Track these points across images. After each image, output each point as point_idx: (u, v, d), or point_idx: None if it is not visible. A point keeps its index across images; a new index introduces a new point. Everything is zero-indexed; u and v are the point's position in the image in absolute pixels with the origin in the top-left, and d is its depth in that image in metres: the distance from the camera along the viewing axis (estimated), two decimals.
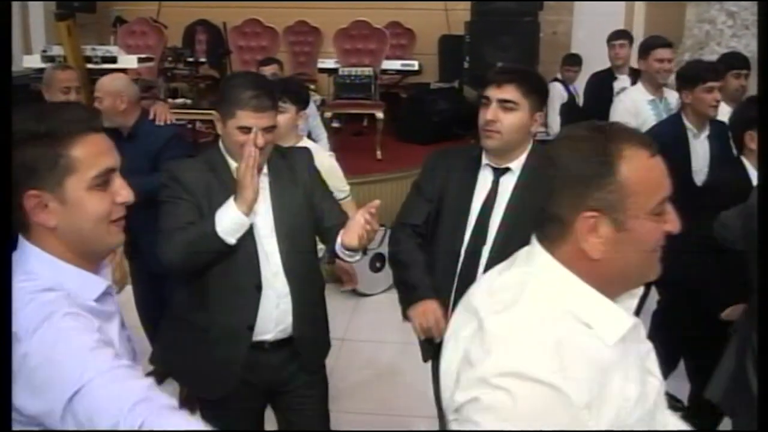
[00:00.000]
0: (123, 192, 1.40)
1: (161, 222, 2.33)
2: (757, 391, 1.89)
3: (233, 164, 2.38)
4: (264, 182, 2.42)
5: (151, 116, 3.73)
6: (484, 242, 2.40)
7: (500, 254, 2.15)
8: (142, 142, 3.55)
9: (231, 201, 2.24)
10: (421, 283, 2.45)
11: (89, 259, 1.41)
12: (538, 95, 2.43)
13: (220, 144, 2.44)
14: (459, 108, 7.43)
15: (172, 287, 2.62)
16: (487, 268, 2.25)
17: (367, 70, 6.58)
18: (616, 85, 5.41)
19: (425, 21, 8.39)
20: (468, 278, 2.27)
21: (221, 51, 7.35)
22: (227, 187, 2.33)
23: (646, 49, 4.37)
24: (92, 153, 1.34)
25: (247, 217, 2.24)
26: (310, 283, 2.51)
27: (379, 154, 6.42)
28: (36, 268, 1.33)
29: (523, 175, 2.42)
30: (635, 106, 4.29)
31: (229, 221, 2.23)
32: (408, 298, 2.47)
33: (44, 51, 6.50)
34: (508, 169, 2.44)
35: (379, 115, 6.43)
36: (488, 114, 2.34)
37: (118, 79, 3.73)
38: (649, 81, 4.26)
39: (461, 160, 2.55)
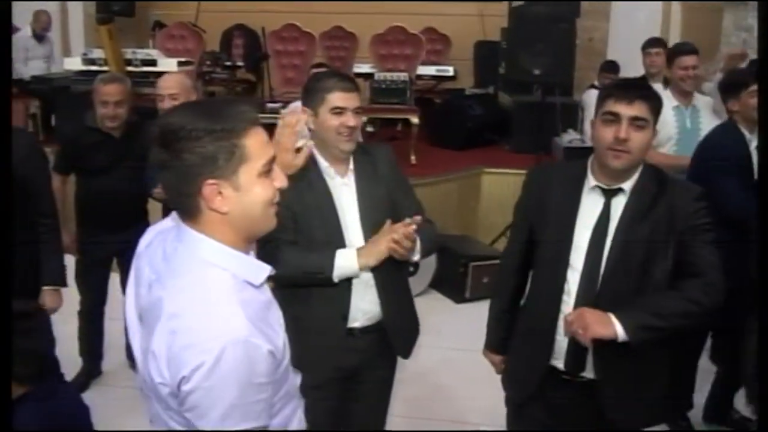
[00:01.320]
0: (280, 177, 1.52)
1: None
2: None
3: (323, 163, 2.46)
4: (350, 178, 2.50)
5: None
6: (597, 275, 2.24)
7: (610, 287, 2.20)
8: None
9: (354, 253, 2.38)
10: (492, 333, 2.60)
11: (247, 243, 1.53)
12: (659, 111, 2.30)
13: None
14: (493, 114, 7.44)
15: None
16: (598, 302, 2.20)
17: (403, 76, 6.61)
18: None
19: (461, 27, 8.42)
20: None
21: (259, 55, 7.42)
22: (314, 186, 2.43)
23: (671, 56, 4.33)
24: (260, 143, 1.46)
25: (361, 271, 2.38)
26: (395, 273, 2.56)
27: (413, 158, 6.43)
28: (212, 258, 1.45)
29: (633, 197, 2.25)
30: None
31: (345, 270, 2.37)
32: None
33: (85, 54, 6.65)
34: (620, 190, 2.26)
35: (414, 120, 6.45)
36: (621, 132, 2.15)
37: (185, 77, 3.95)
38: (675, 88, 4.22)
39: (562, 178, 2.40)
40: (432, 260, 5.37)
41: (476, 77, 8.39)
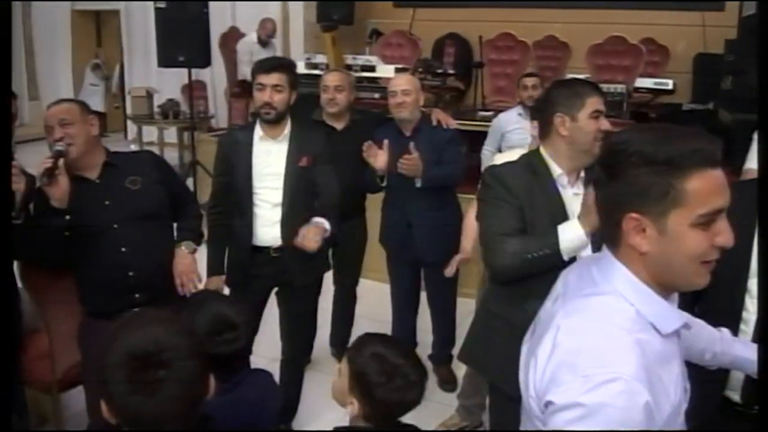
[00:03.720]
0: (725, 235, 1.29)
1: (484, 223, 2.40)
2: None
3: (557, 170, 2.42)
4: (580, 188, 2.45)
5: (434, 122, 3.97)
6: None
7: None
8: (425, 138, 3.84)
9: (575, 221, 2.24)
10: None
11: (667, 291, 1.38)
12: None
13: (542, 150, 2.47)
14: (713, 131, 6.97)
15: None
16: None
17: (620, 88, 6.40)
18: None
19: (681, 38, 8.01)
20: None
21: (474, 63, 7.46)
22: (548, 193, 2.39)
23: None
24: (706, 190, 1.26)
25: (587, 237, 2.22)
26: None
27: None
28: (621, 287, 1.35)
29: None
30: None
31: (572, 241, 2.23)
32: None
33: (308, 58, 6.96)
34: None
35: None
36: None
37: (416, 79, 4.09)
38: None
39: None
40: None
41: (694, 92, 7.96)
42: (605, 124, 2.36)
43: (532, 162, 2.46)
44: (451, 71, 7.48)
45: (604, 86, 6.40)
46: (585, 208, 2.21)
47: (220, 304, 2.19)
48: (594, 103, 2.36)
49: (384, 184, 3.76)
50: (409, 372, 1.93)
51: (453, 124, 4.02)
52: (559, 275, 1.59)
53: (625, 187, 1.30)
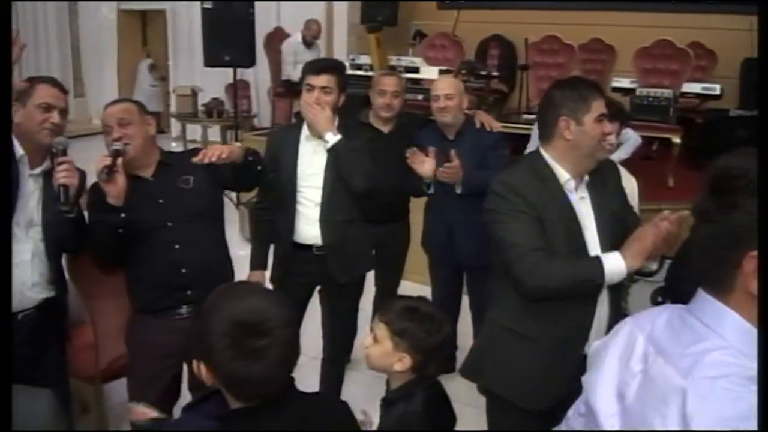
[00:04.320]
0: None
1: (511, 238, 2.34)
2: None
3: (564, 175, 2.39)
4: (584, 191, 2.43)
5: (477, 125, 3.93)
6: None
7: None
8: (468, 141, 3.81)
9: (618, 256, 2.22)
10: None
11: None
12: None
13: (543, 152, 2.44)
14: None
15: (493, 292, 2.65)
16: None
17: (666, 92, 6.32)
18: None
19: (728, 42, 7.87)
20: None
21: (519, 66, 7.42)
22: (559, 201, 2.35)
23: None
24: None
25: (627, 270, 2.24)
26: (618, 287, 2.46)
27: (671, 181, 6.13)
28: (736, 339, 1.18)
29: None
30: None
31: (613, 273, 2.23)
32: None
33: (352, 59, 6.98)
34: None
35: (676, 140, 6.13)
36: None
37: (459, 81, 4.07)
38: None
39: None
40: None
41: (742, 97, 7.82)
42: (609, 127, 2.36)
43: (537, 167, 2.41)
44: (494, 73, 7.46)
45: (651, 90, 6.34)
46: (634, 242, 2.21)
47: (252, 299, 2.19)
48: (599, 106, 2.33)
49: (431, 191, 3.75)
50: (437, 315, 2.17)
51: (497, 127, 3.97)
52: None
53: (746, 219, 1.13)
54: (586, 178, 2.43)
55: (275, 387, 1.55)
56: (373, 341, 2.17)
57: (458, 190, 3.74)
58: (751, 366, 1.13)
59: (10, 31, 2.28)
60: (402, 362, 2.12)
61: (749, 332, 1.17)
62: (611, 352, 1.40)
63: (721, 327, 1.19)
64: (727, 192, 1.16)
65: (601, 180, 2.48)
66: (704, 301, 1.23)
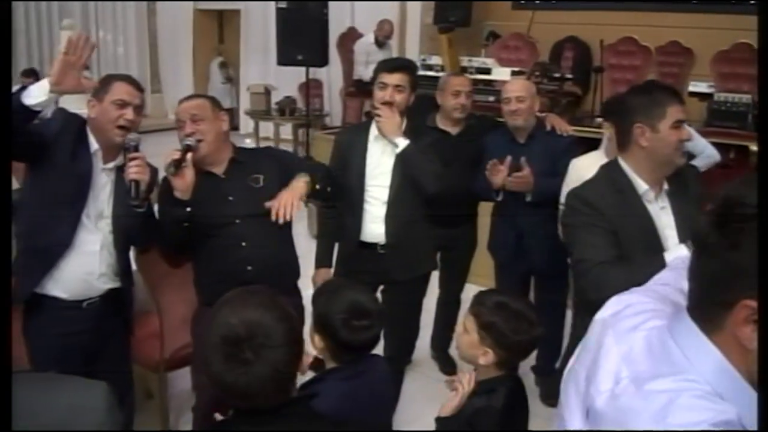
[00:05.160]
0: None
1: (580, 252, 2.30)
2: None
3: (642, 186, 2.33)
4: (665, 199, 2.38)
5: (548, 127, 3.87)
6: None
7: None
8: (539, 146, 3.75)
9: (682, 245, 2.16)
10: None
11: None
12: None
13: (621, 162, 2.39)
14: None
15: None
16: None
17: (745, 98, 6.08)
18: None
19: None
20: None
21: (593, 68, 7.28)
22: (638, 213, 2.31)
23: None
24: None
25: None
26: None
27: None
28: (715, 379, 1.05)
29: None
30: None
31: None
32: None
33: (423, 60, 6.95)
34: None
35: (753, 147, 5.91)
36: None
37: (531, 83, 4.03)
38: None
39: None
40: None
41: None
42: (687, 134, 2.28)
43: (615, 177, 2.36)
44: (569, 76, 7.33)
45: (729, 96, 6.13)
46: None
47: (356, 292, 2.22)
48: (676, 112, 2.26)
49: (499, 198, 3.71)
50: (529, 314, 2.15)
51: (569, 130, 3.90)
52: None
53: (745, 262, 0.98)
54: (666, 186, 2.37)
55: (267, 400, 1.56)
56: (463, 330, 2.21)
57: (528, 198, 3.69)
58: (729, 410, 1.01)
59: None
60: (486, 356, 2.15)
61: (731, 375, 1.05)
62: (582, 358, 1.30)
63: (701, 363, 1.07)
64: (729, 222, 1.02)
65: (683, 187, 2.42)
66: (689, 330, 1.10)
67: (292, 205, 2.80)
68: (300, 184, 2.91)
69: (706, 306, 1.08)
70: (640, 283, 1.98)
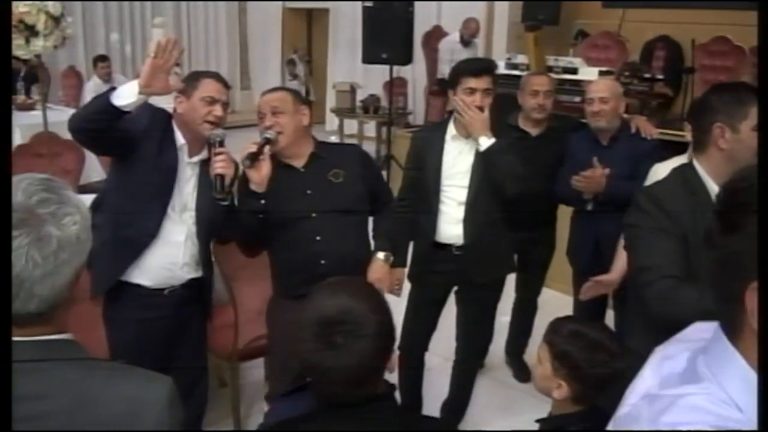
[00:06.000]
0: None
1: (645, 260, 2.19)
2: None
3: (715, 189, 2.21)
4: None
5: (633, 130, 3.74)
6: None
7: None
8: (622, 148, 3.65)
9: None
10: None
11: None
12: None
13: (696, 164, 2.27)
14: None
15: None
16: None
17: None
18: None
19: None
20: None
21: (684, 69, 7.04)
22: (706, 216, 2.18)
23: None
24: None
25: None
26: None
27: None
28: (733, 388, 0.97)
29: None
30: None
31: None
32: None
33: (508, 58, 6.86)
34: None
35: None
36: None
37: (617, 84, 3.93)
38: None
39: None
40: None
41: None
42: None
43: (689, 180, 2.22)
44: (659, 76, 7.10)
45: None
46: None
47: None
48: (756, 115, 2.09)
49: (589, 207, 3.62)
50: (609, 344, 1.96)
51: (654, 133, 3.75)
52: None
53: (746, 244, 0.92)
54: None
55: (345, 388, 1.54)
56: (537, 360, 2.05)
57: (589, 207, 3.61)
58: (740, 421, 0.93)
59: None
60: (560, 390, 1.98)
61: (754, 386, 0.94)
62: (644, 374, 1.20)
63: (722, 374, 0.98)
64: (732, 209, 0.99)
65: None
66: (717, 341, 1.02)
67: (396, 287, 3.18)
68: (381, 264, 3.05)
69: (723, 307, 1.01)
70: (707, 310, 1.84)
